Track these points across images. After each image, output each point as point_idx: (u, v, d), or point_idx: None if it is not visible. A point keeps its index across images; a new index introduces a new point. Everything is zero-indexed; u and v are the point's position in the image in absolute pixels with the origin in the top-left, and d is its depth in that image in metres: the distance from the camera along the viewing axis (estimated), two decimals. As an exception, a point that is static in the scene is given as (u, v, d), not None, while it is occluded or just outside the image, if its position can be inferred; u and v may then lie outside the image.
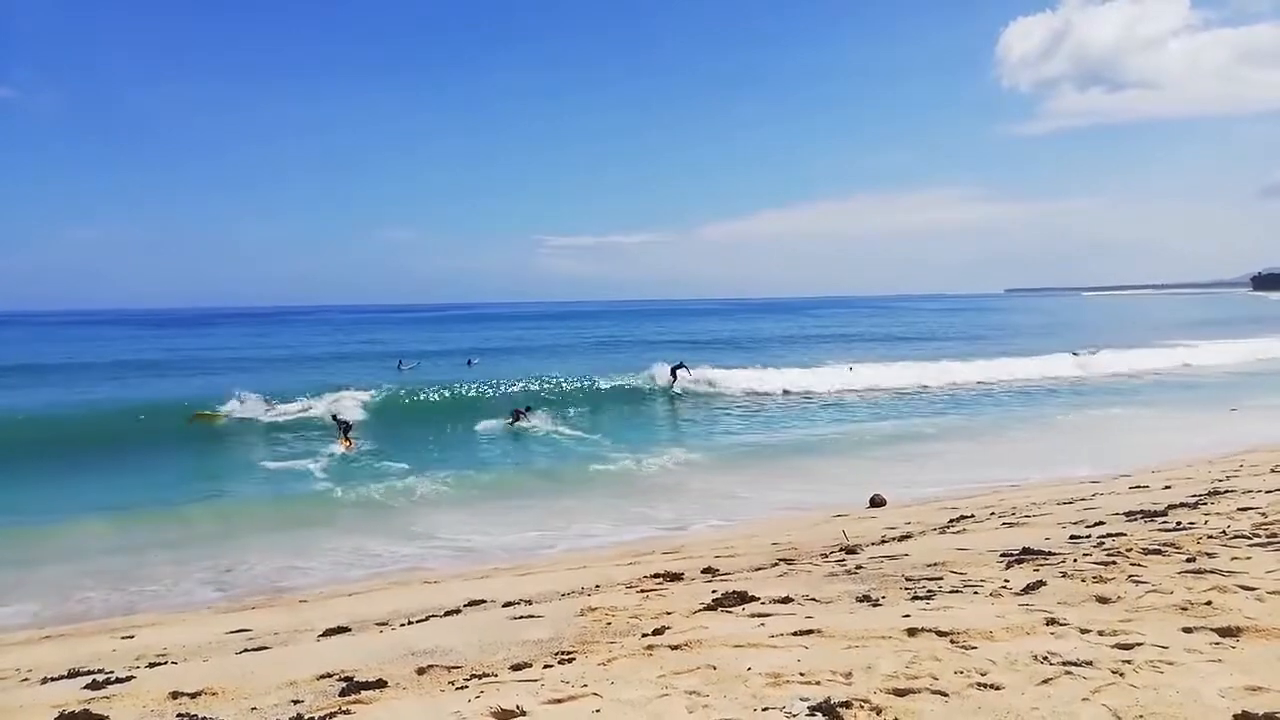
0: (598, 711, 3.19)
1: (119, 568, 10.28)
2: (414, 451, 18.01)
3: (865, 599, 4.76)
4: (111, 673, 4.71)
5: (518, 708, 3.24)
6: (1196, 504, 7.74)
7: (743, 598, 4.94)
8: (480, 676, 3.81)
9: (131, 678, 4.54)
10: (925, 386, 29.15)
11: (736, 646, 3.86)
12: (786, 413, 24.11)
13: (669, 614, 4.79)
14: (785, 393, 27.49)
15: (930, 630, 3.87)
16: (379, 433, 20.34)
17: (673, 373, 27.94)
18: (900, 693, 3.15)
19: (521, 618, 5.21)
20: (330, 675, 4.13)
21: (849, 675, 3.36)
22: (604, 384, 27.54)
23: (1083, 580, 4.69)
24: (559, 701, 3.32)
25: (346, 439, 18.84)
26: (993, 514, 9.15)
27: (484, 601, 6.52)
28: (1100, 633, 3.71)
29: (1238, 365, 33.73)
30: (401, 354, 46.23)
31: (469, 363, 44.51)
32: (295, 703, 3.76)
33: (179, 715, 3.77)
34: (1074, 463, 14.24)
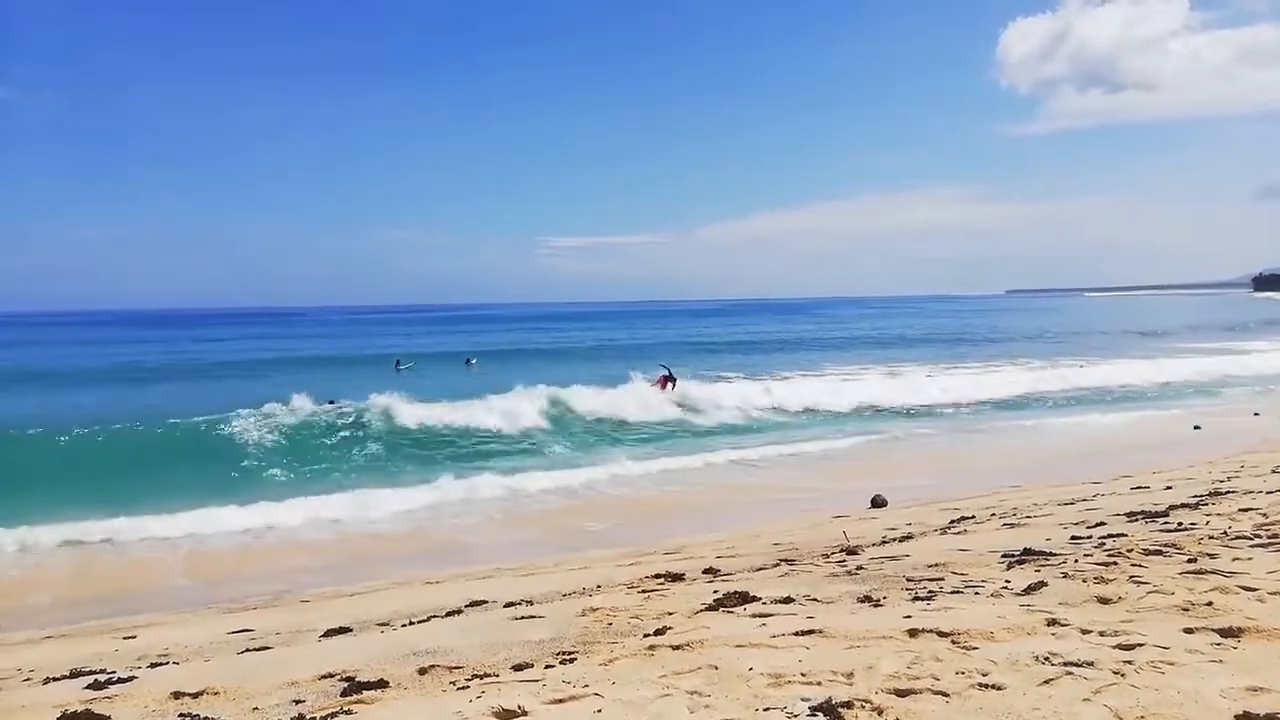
0: (599, 711, 3.19)
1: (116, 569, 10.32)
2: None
3: (866, 599, 4.76)
4: (113, 673, 4.71)
5: (519, 708, 3.25)
6: (1197, 504, 7.74)
7: (744, 598, 4.94)
8: (482, 676, 3.81)
9: (133, 678, 4.54)
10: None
11: (738, 647, 3.86)
12: (779, 421, 23.63)
13: (670, 614, 4.79)
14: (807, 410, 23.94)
15: (931, 631, 3.87)
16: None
17: (663, 382, 23.80)
18: (901, 693, 3.15)
19: (523, 618, 5.21)
20: (332, 675, 4.14)
21: (850, 675, 3.36)
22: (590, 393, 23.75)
23: (1084, 581, 4.69)
24: (560, 702, 3.32)
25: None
26: (993, 515, 9.14)
27: (485, 602, 6.52)
28: (1101, 633, 3.71)
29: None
30: (399, 355, 46.36)
31: (467, 363, 44.67)
32: (297, 703, 3.76)
33: (181, 715, 3.77)
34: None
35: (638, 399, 23.42)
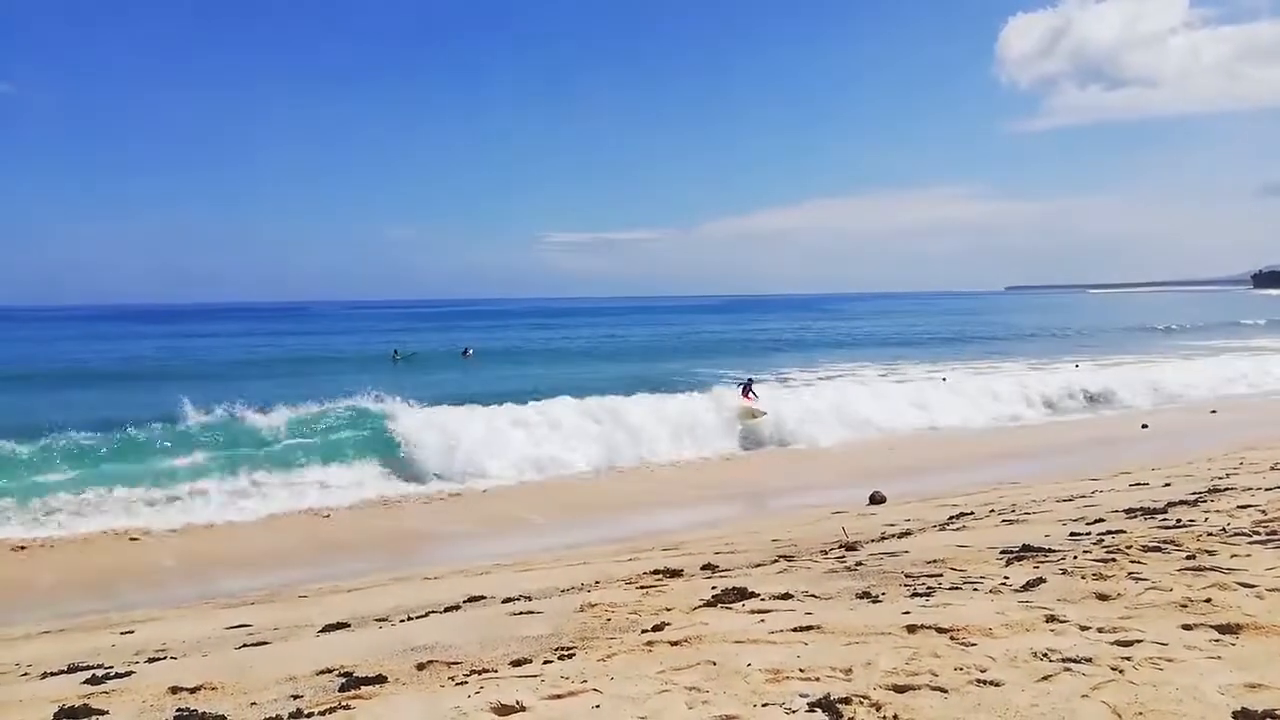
0: (597, 707, 3.19)
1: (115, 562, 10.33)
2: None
3: (865, 595, 4.76)
4: (111, 668, 4.71)
5: (517, 703, 3.24)
6: (1196, 501, 7.73)
7: (742, 594, 4.93)
8: (480, 672, 3.81)
9: (131, 673, 4.54)
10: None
11: (736, 643, 3.85)
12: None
13: (669, 610, 4.79)
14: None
15: (930, 627, 3.87)
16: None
17: (746, 394, 20.67)
18: (900, 689, 3.15)
19: (521, 614, 5.21)
20: (330, 670, 4.13)
21: (849, 671, 3.36)
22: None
23: (1082, 577, 4.69)
24: (559, 697, 3.32)
25: None
26: (992, 511, 9.14)
27: (484, 597, 6.51)
28: (1100, 629, 3.71)
29: None
30: (396, 345, 46.66)
31: (465, 353, 45.10)
32: (295, 698, 3.76)
33: (178, 710, 3.77)
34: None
35: (721, 409, 19.70)
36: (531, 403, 19.19)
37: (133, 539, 11.69)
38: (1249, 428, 17.57)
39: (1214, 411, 20.70)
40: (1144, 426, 18.71)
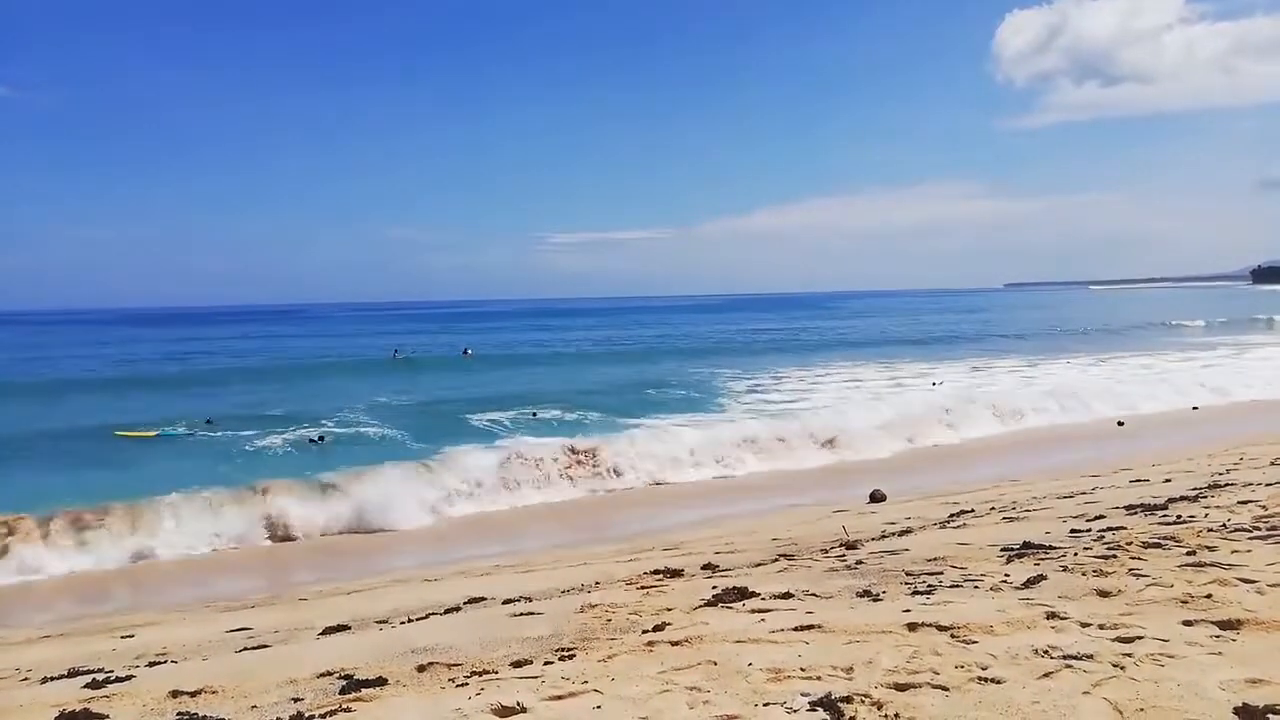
0: (598, 708, 3.19)
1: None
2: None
3: (866, 594, 4.76)
4: (111, 672, 4.71)
5: (518, 704, 3.24)
6: (1197, 497, 7.73)
7: (743, 594, 4.93)
8: (481, 674, 3.80)
9: (131, 677, 4.53)
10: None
11: (737, 642, 3.85)
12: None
13: (669, 610, 4.79)
14: None
15: (931, 625, 3.87)
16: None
17: None
18: (901, 687, 3.14)
19: (522, 615, 5.20)
20: (330, 673, 4.13)
21: (850, 670, 3.36)
22: None
23: (1083, 574, 4.68)
24: (559, 698, 3.31)
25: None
26: (993, 509, 9.14)
27: (484, 599, 6.51)
28: (1101, 626, 3.70)
29: None
30: (397, 345, 47.02)
31: (464, 352, 45.42)
32: (295, 701, 3.75)
33: (179, 714, 3.76)
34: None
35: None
36: (529, 437, 18.44)
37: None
38: (1230, 423, 17.61)
39: (1196, 408, 20.73)
40: (1120, 424, 18.75)
